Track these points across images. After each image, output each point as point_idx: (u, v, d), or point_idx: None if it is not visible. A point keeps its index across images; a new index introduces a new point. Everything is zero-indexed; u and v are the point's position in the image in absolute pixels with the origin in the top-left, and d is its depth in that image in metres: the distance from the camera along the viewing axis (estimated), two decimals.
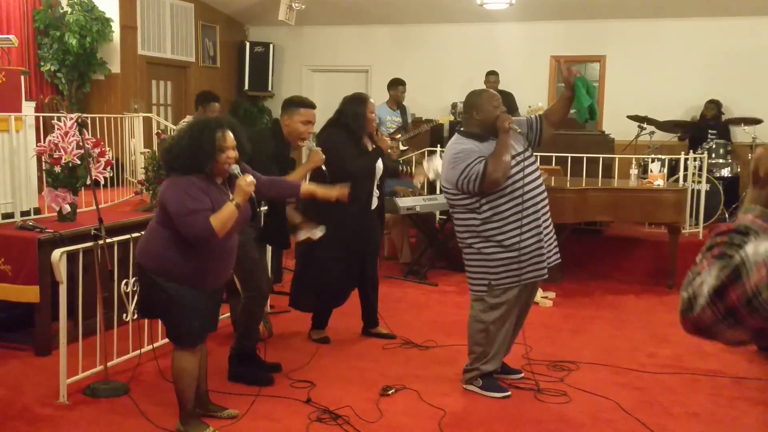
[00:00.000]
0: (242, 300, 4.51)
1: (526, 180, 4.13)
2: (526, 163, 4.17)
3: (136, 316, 4.64)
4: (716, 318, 1.39)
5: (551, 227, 4.32)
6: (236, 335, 4.56)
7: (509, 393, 4.29)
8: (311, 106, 4.63)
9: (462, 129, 4.28)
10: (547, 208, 4.28)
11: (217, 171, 3.56)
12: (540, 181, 4.26)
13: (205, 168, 3.51)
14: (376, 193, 5.21)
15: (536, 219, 4.16)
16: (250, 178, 3.57)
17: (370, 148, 5.08)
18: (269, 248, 5.45)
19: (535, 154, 4.38)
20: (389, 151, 5.25)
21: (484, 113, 4.19)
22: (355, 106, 5.03)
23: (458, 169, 4.12)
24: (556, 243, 4.36)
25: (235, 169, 3.57)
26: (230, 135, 3.54)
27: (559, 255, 4.39)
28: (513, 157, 4.12)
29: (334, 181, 4.46)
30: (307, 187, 3.98)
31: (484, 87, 9.26)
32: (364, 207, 5.09)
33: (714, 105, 9.82)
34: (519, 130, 4.16)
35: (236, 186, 3.53)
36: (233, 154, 3.55)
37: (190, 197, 3.43)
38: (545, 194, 4.27)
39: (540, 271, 4.22)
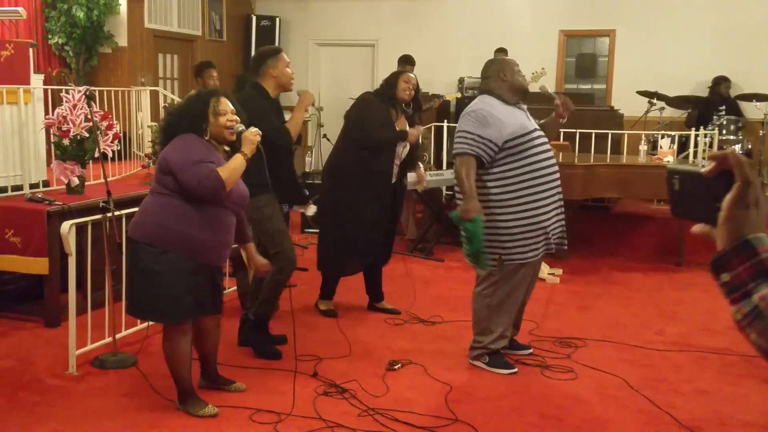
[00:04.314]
0: (272, 269, 4.37)
1: (538, 156, 4.11)
2: (538, 141, 4.15)
3: None
4: None
5: (562, 207, 4.28)
6: (259, 300, 4.53)
7: (516, 369, 4.29)
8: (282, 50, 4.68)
9: (488, 91, 4.24)
10: (560, 187, 4.24)
11: (219, 137, 3.55)
12: (552, 159, 4.21)
13: (202, 129, 3.51)
14: (395, 170, 5.20)
15: (551, 195, 4.14)
16: (255, 129, 3.57)
17: (398, 126, 5.10)
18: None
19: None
20: (419, 140, 5.37)
21: (512, 74, 4.24)
22: (390, 76, 5.19)
23: (476, 126, 4.08)
24: (564, 225, 4.32)
25: (240, 126, 3.57)
26: (225, 100, 3.56)
27: (565, 239, 4.35)
28: (524, 135, 4.11)
29: (353, 145, 5.03)
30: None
31: None
32: (386, 177, 5.11)
33: (726, 81, 9.69)
34: None
35: (242, 138, 3.53)
36: (234, 117, 3.56)
37: (192, 149, 3.43)
38: (557, 173, 4.22)
39: (548, 246, 4.22)
